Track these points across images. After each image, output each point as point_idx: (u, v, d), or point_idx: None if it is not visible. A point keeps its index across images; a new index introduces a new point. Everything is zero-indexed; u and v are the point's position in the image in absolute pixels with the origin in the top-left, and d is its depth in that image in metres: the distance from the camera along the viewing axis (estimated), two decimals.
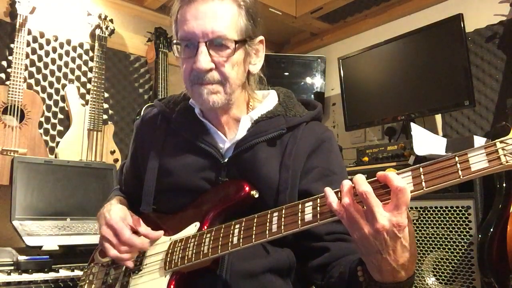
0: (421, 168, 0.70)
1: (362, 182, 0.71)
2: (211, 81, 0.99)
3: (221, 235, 0.90)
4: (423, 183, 0.69)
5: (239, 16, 0.99)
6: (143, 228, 1.04)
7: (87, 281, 1.14)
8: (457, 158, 0.67)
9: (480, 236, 1.52)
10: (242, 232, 0.86)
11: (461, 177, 0.66)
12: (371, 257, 0.74)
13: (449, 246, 1.70)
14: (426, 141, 1.85)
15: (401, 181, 0.69)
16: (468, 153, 0.67)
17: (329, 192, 0.75)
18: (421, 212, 1.78)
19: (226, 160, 1.04)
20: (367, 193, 0.70)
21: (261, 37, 1.07)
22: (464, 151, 0.67)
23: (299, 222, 0.79)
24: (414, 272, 0.78)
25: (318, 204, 0.78)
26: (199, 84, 0.99)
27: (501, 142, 0.64)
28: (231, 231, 0.88)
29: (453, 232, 1.69)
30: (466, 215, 1.66)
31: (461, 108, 2.19)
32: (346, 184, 0.74)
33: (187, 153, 1.07)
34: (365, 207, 0.71)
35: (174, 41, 1.03)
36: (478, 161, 0.66)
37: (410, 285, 0.76)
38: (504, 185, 1.55)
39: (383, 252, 0.71)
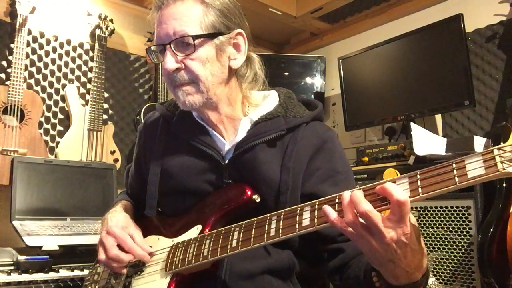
0: (418, 175, 0.70)
1: (360, 201, 0.70)
2: (182, 81, 0.99)
3: (221, 238, 0.90)
4: (420, 189, 0.69)
5: (204, 13, 0.99)
6: (138, 239, 1.06)
7: (92, 281, 1.16)
8: (454, 165, 0.67)
9: (480, 236, 1.51)
10: (241, 235, 0.87)
11: (457, 184, 0.66)
12: (384, 266, 0.75)
13: (449, 246, 1.69)
14: (426, 141, 1.85)
15: (402, 193, 0.68)
16: (466, 160, 0.66)
17: (329, 210, 0.73)
18: (421, 212, 1.78)
19: (226, 162, 1.04)
20: (368, 212, 0.69)
21: (239, 30, 1.04)
22: (462, 157, 0.67)
23: (297, 226, 0.79)
24: (427, 266, 0.79)
25: (316, 208, 0.78)
26: (174, 87, 1.01)
27: (498, 149, 0.64)
28: (231, 234, 0.89)
29: (453, 232, 1.69)
30: (466, 215, 1.66)
31: (461, 108, 2.19)
32: (346, 198, 0.72)
33: (188, 156, 1.07)
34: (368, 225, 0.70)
35: (152, 48, 1.04)
36: (474, 168, 0.65)
37: (426, 279, 0.78)
38: (504, 185, 1.54)
39: (395, 260, 0.72)
